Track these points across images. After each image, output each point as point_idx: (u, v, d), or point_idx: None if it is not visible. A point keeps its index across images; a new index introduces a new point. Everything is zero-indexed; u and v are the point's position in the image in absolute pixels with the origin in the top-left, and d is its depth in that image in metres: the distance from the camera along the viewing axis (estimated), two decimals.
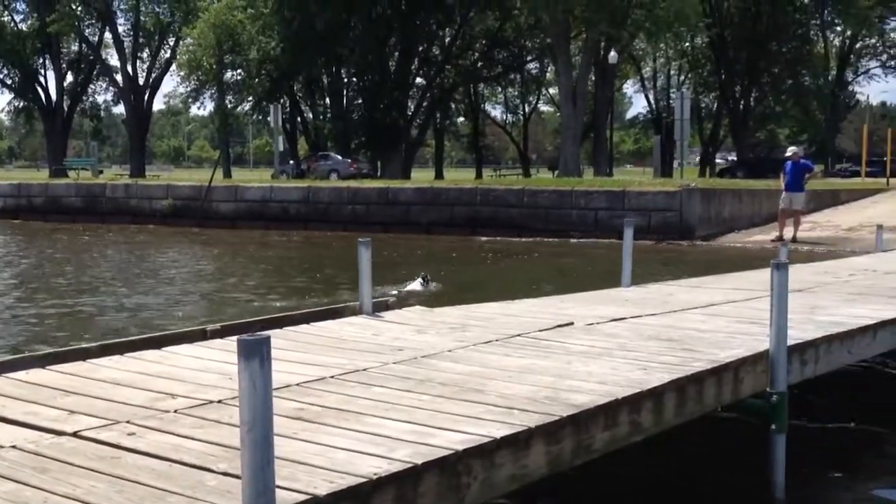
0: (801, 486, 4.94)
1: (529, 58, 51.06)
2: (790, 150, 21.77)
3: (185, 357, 5.03)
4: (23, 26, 53.53)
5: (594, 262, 17.27)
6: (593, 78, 41.13)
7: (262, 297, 12.52)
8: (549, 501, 4.57)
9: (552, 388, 4.17)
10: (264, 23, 40.98)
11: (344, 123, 43.92)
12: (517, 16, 42.42)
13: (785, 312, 4.84)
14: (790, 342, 4.99)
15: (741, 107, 51.53)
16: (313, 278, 14.99)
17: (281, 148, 41.68)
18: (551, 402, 3.90)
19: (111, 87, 55.77)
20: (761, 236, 21.27)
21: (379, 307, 6.68)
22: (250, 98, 46.03)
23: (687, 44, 51.76)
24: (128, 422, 3.64)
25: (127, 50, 52.13)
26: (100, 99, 58.79)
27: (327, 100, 47.05)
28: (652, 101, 57.82)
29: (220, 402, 3.95)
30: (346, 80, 46.01)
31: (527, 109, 61.89)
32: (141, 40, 52.67)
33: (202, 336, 5.58)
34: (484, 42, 47.76)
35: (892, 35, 56.04)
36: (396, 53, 44.15)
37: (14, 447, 3.31)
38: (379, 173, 41.04)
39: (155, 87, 54.23)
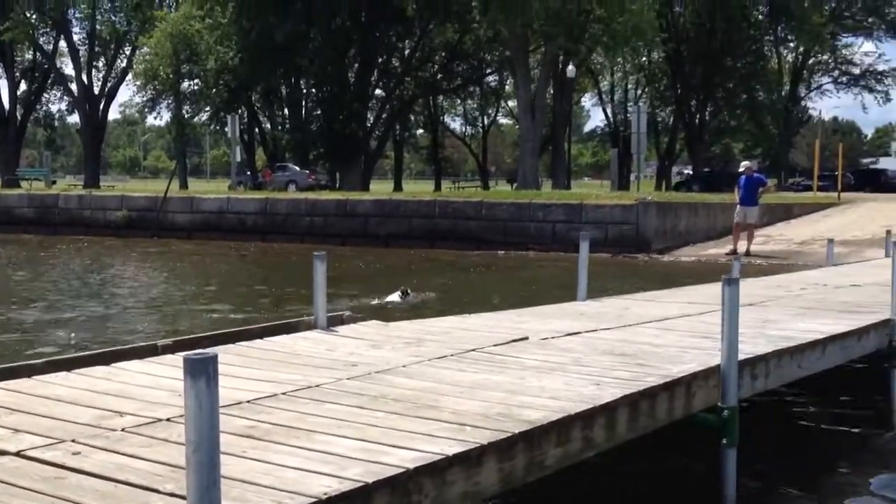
0: (752, 500, 4.98)
1: (489, 70, 51.36)
2: (744, 165, 22.12)
3: (135, 373, 4.94)
4: None
5: (552, 275, 17.36)
6: (552, 91, 41.46)
7: (217, 311, 12.40)
8: None
9: (505, 403, 4.17)
10: (222, 33, 40.76)
11: (302, 134, 43.79)
12: (476, 29, 42.63)
13: (736, 327, 4.89)
14: (741, 357, 5.03)
15: (697, 121, 52.25)
16: (269, 291, 14.89)
17: (238, 158, 41.50)
18: (504, 418, 3.89)
19: (66, 97, 55.25)
20: (716, 250, 21.51)
21: (334, 321, 6.63)
22: (208, 108, 45.76)
23: (644, 58, 52.37)
24: (73, 441, 3.56)
25: (82, 59, 51.61)
26: (54, 108, 58.27)
27: (286, 110, 46.90)
28: (609, 115, 58.47)
29: (168, 419, 3.88)
30: (305, 90, 45.92)
31: (486, 122, 62.24)
32: (97, 49, 52.20)
33: (153, 351, 5.49)
34: (443, 54, 47.95)
35: (843, 51, 57.30)
36: (356, 65, 44.14)
37: None
38: (337, 185, 40.93)
39: (110, 96, 53.77)
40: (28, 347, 9.30)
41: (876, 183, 47.84)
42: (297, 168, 41.55)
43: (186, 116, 47.09)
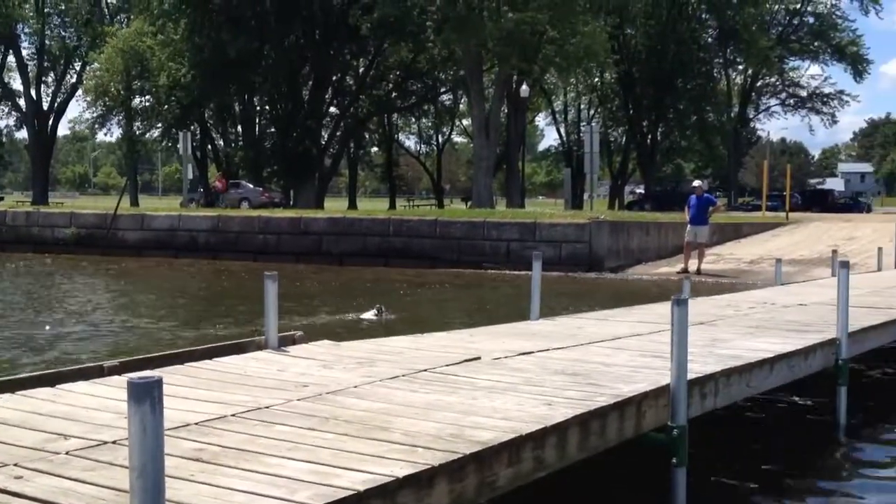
0: None
1: (443, 89, 51.55)
2: (695, 184, 22.44)
3: (81, 395, 4.85)
4: None
5: (506, 294, 17.40)
6: (506, 110, 41.73)
7: (166, 331, 12.23)
8: None
9: (457, 424, 4.16)
10: (174, 49, 40.41)
11: (256, 152, 43.51)
12: (431, 48, 42.81)
13: (685, 347, 4.93)
14: (691, 376, 5.08)
15: (648, 141, 52.95)
16: (220, 310, 14.72)
17: (190, 176, 41.08)
18: (455, 439, 3.89)
19: (13, 112, 54.23)
20: (668, 268, 21.75)
21: (285, 342, 6.58)
22: (159, 125, 45.31)
23: (596, 79, 53.00)
24: (15, 464, 3.48)
25: (31, 74, 50.86)
26: (1, 123, 57.35)
27: (239, 128, 46.59)
28: (563, 134, 58.92)
29: (114, 442, 3.81)
30: (258, 108, 45.69)
31: (440, 140, 62.40)
32: (46, 64, 51.46)
33: (99, 373, 5.39)
34: (398, 73, 48.03)
35: (790, 74, 58.57)
36: (310, 82, 44.02)
37: None
38: (292, 203, 40.70)
39: (60, 112, 53.06)
40: None
41: (823, 203, 48.89)
42: (251, 185, 41.25)
43: (138, 133, 46.58)
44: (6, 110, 55.29)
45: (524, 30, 33.25)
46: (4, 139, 59.63)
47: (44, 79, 51.76)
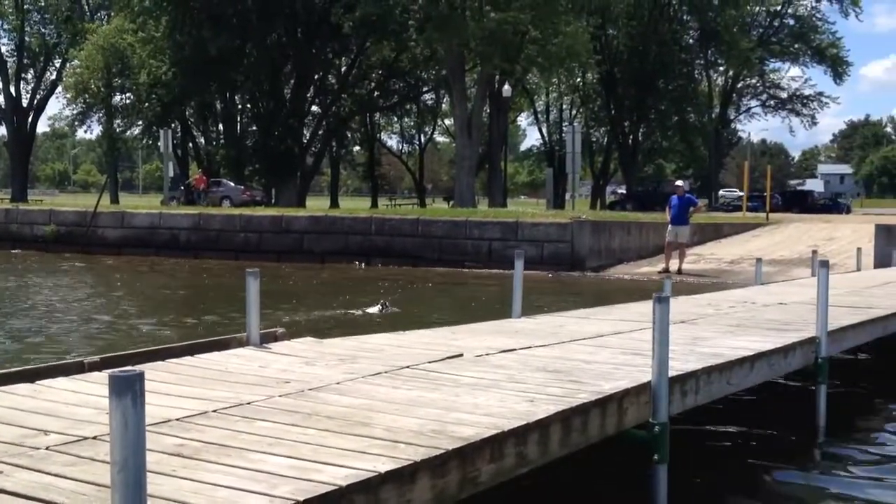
0: None
1: (425, 89, 51.55)
2: (677, 183, 22.54)
3: (61, 391, 4.82)
4: None
5: (488, 292, 17.42)
6: (488, 110, 41.76)
7: (147, 327, 12.17)
8: None
9: (439, 420, 4.16)
10: (155, 46, 40.21)
11: (237, 150, 43.34)
12: (413, 47, 42.78)
13: (667, 344, 4.96)
14: (672, 373, 5.10)
15: (630, 141, 53.14)
16: (201, 308, 14.66)
17: (171, 173, 40.88)
18: (438, 435, 3.89)
19: None
20: (649, 268, 21.84)
21: (267, 338, 6.56)
22: (140, 122, 45.08)
23: (578, 79, 53.12)
24: None
25: (10, 70, 50.45)
26: None
27: (220, 126, 46.40)
28: (545, 134, 59.08)
29: (95, 438, 3.79)
30: (240, 106, 45.51)
31: (422, 139, 62.42)
32: (25, 61, 51.06)
33: (80, 369, 5.36)
34: (380, 72, 47.96)
35: (771, 76, 58.97)
36: (292, 81, 43.90)
37: None
38: (273, 201, 40.58)
39: (39, 109, 52.66)
40: None
41: (803, 204, 49.16)
42: (232, 184, 41.09)
43: (118, 130, 46.32)
44: None
45: (506, 29, 33.29)
46: None
47: (23, 75, 51.41)
